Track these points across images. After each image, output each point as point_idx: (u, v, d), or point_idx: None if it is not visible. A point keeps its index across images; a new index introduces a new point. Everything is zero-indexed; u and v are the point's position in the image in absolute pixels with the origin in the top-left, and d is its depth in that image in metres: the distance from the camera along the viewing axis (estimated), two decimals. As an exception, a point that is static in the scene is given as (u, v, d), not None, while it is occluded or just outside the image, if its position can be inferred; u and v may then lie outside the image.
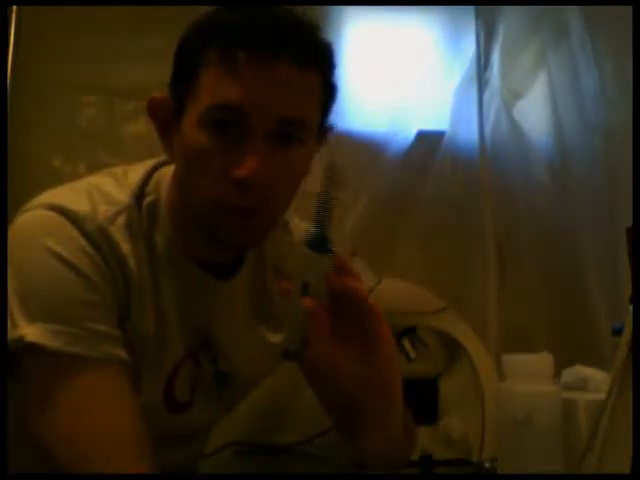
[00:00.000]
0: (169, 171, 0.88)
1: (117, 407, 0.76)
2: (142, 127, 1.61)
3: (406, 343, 1.41)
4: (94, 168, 0.92)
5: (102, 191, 0.82)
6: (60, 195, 0.82)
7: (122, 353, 0.78)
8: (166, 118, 0.82)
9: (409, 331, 1.42)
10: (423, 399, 1.46)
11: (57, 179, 0.87)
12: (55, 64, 1.64)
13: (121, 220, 0.81)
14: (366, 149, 1.73)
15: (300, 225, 1.02)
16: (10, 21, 1.56)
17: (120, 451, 0.74)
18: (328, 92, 0.83)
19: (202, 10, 0.84)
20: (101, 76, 1.65)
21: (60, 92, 1.64)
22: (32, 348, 0.74)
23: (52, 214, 0.78)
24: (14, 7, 1.56)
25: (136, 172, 0.87)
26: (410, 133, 1.73)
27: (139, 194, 0.85)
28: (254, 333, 0.96)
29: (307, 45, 0.78)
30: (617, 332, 0.97)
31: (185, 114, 0.80)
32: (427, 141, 1.74)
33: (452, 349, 1.45)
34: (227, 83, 0.76)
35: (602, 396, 0.98)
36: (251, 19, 0.77)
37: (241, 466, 1.41)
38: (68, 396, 0.74)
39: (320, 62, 0.80)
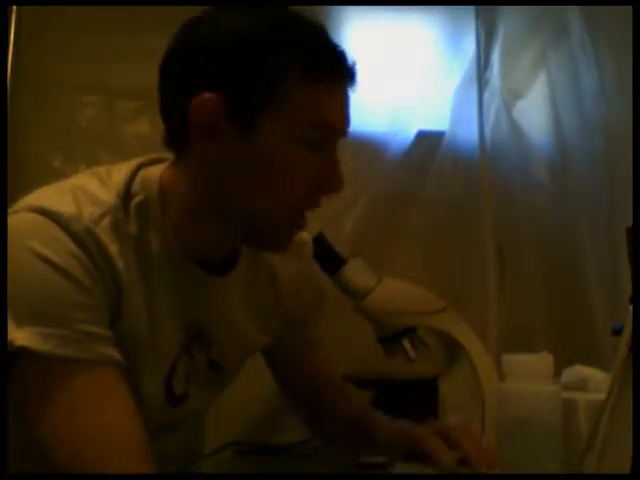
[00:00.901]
0: (155, 170, 0.87)
1: (113, 407, 0.76)
2: (142, 127, 1.62)
3: (406, 343, 1.41)
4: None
5: (87, 192, 0.82)
6: (45, 197, 0.81)
7: (114, 354, 0.78)
8: (215, 119, 0.80)
9: (409, 331, 1.42)
10: (423, 399, 1.46)
11: (57, 179, 0.86)
12: (55, 64, 1.64)
13: (107, 221, 0.80)
14: (366, 149, 1.73)
15: None
16: (10, 21, 1.56)
17: (118, 451, 0.74)
18: None
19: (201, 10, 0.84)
20: (101, 76, 1.65)
21: (60, 92, 1.64)
22: (23, 352, 0.74)
23: (37, 216, 0.78)
24: (14, 7, 1.56)
25: (120, 172, 0.86)
26: (410, 133, 1.73)
27: (125, 194, 0.84)
28: (243, 324, 0.97)
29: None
30: (617, 332, 0.97)
31: (263, 124, 0.80)
32: (427, 141, 1.74)
33: (452, 349, 1.45)
34: (327, 103, 0.83)
35: (602, 396, 0.98)
36: (326, 37, 0.84)
37: (241, 466, 1.41)
38: (63, 398, 0.74)
39: None
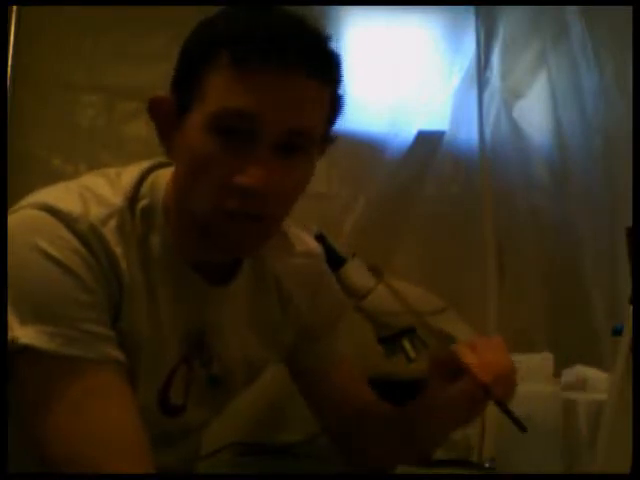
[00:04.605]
0: (165, 174, 0.87)
1: (116, 407, 0.76)
2: (142, 127, 1.61)
3: (406, 343, 1.41)
4: (94, 168, 0.91)
5: (94, 193, 0.82)
6: (51, 195, 0.81)
7: (118, 353, 0.78)
8: (168, 118, 0.81)
9: (409, 331, 1.42)
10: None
11: (57, 179, 0.86)
12: (55, 64, 1.64)
13: (113, 222, 0.80)
14: (366, 149, 1.73)
15: (299, 235, 1.02)
16: (10, 21, 1.56)
17: (120, 451, 0.74)
18: (335, 104, 0.83)
19: (204, 10, 0.84)
20: (101, 76, 1.65)
21: (60, 92, 1.64)
22: (26, 350, 0.73)
23: (43, 214, 0.78)
24: (14, 7, 1.56)
25: (130, 174, 0.86)
26: (410, 133, 1.73)
27: (132, 197, 0.83)
28: (247, 339, 0.95)
29: (321, 57, 0.79)
30: (617, 332, 0.97)
31: (189, 116, 0.79)
32: (427, 141, 1.74)
33: (452, 349, 1.45)
34: (240, 88, 0.76)
35: (602, 396, 0.99)
36: (266, 24, 0.77)
37: (241, 466, 1.41)
38: (66, 398, 0.74)
39: (332, 74, 0.81)
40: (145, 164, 0.88)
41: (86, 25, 1.62)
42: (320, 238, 1.17)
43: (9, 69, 1.55)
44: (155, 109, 0.83)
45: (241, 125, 0.76)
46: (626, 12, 1.24)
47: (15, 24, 1.57)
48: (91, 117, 1.66)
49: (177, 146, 0.81)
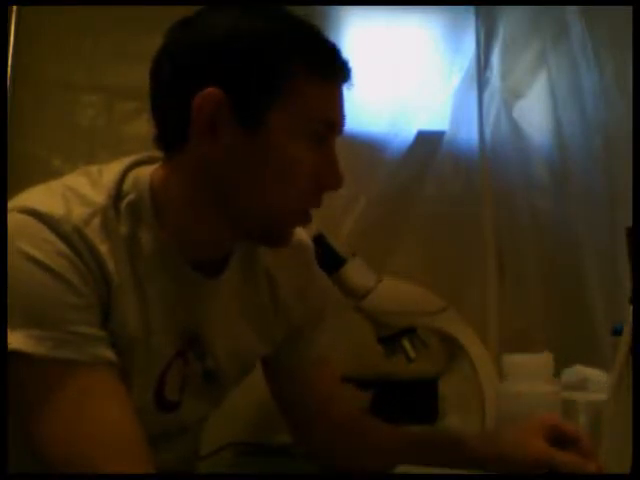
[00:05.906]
0: (147, 169, 0.87)
1: (113, 407, 0.76)
2: (142, 127, 1.61)
3: (406, 343, 1.41)
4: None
5: (77, 192, 0.81)
6: (34, 198, 0.80)
7: (110, 354, 0.78)
8: (219, 114, 0.80)
9: (409, 331, 1.42)
10: (423, 399, 1.46)
11: (57, 179, 0.86)
12: (55, 64, 1.64)
13: (96, 221, 0.80)
14: (366, 149, 1.73)
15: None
16: (10, 21, 1.56)
17: (119, 451, 0.74)
18: None
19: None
20: (101, 76, 1.65)
21: (60, 92, 1.64)
22: (17, 355, 0.73)
23: (26, 217, 0.77)
24: (14, 7, 1.56)
25: (111, 171, 0.85)
26: (410, 133, 1.73)
27: (115, 194, 0.83)
28: (239, 332, 0.96)
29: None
30: (617, 332, 0.97)
31: (270, 120, 0.80)
32: (427, 141, 1.74)
33: (452, 349, 1.45)
34: (328, 99, 0.84)
35: (602, 396, 0.98)
36: (324, 35, 0.85)
37: (241, 466, 1.41)
38: (62, 400, 0.74)
39: None
40: (126, 161, 0.88)
41: (86, 25, 1.62)
42: (320, 238, 1.17)
43: (9, 69, 1.55)
44: (209, 105, 0.79)
45: (328, 132, 0.84)
46: (626, 12, 1.24)
47: (15, 24, 1.58)
48: (91, 117, 1.66)
49: (247, 150, 0.81)
